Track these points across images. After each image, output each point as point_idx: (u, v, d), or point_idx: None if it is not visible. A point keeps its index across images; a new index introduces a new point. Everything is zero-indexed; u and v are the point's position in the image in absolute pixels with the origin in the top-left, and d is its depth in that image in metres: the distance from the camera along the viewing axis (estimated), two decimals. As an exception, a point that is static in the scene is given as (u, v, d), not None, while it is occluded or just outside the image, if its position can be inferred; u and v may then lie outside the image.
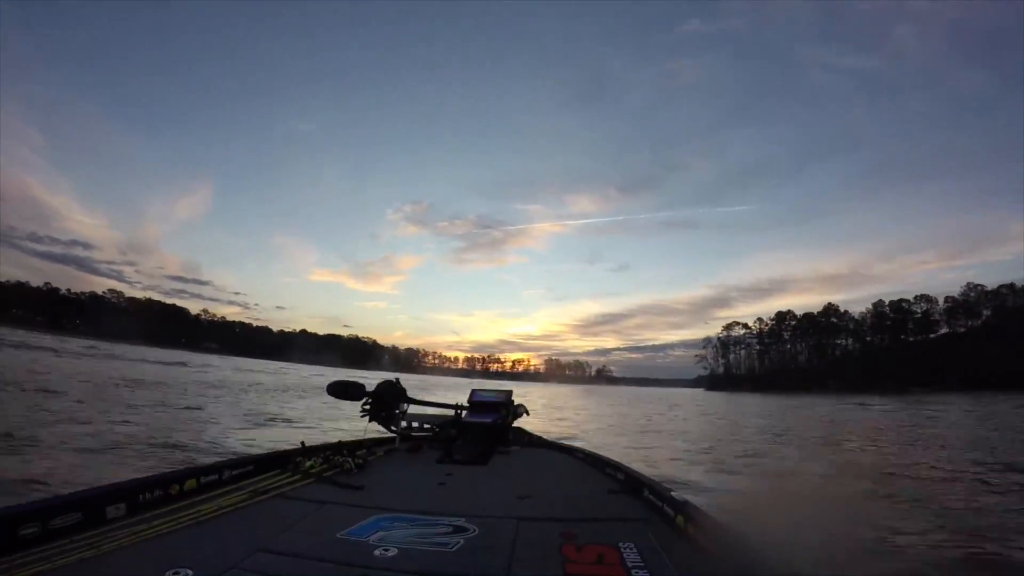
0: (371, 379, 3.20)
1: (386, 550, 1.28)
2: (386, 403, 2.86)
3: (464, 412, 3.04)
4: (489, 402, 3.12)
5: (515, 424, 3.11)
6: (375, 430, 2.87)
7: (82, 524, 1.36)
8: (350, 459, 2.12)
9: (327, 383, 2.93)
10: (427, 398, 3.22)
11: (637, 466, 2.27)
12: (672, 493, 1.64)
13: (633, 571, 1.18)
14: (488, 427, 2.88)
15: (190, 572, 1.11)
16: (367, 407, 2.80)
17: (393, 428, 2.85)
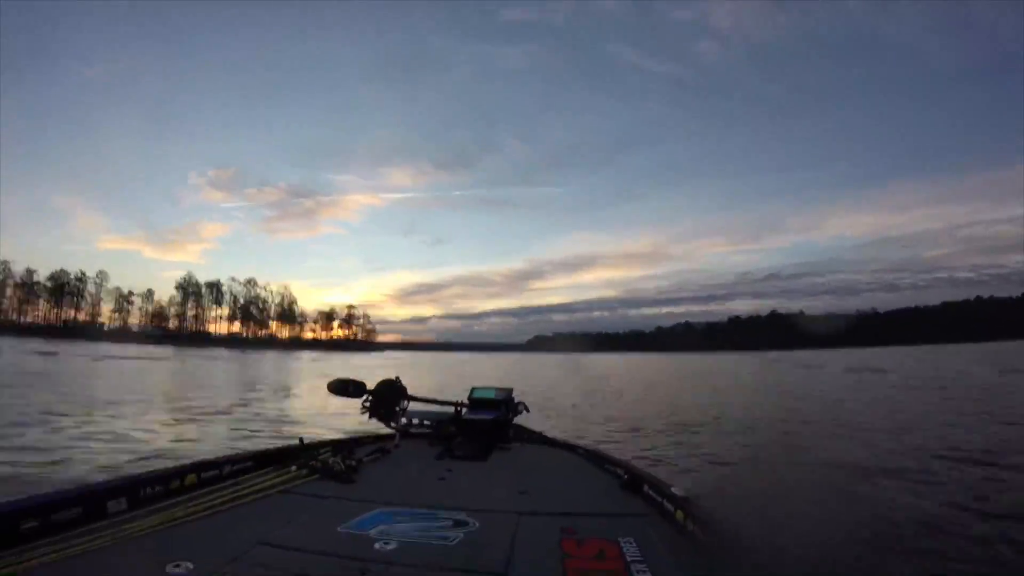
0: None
1: (387, 543, 1.28)
2: (386, 400, 2.87)
3: (464, 409, 3.05)
4: (489, 399, 3.12)
5: (516, 421, 3.11)
6: (375, 427, 2.87)
7: (83, 518, 1.36)
8: (351, 455, 2.12)
9: (327, 381, 2.94)
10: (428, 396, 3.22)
11: (638, 463, 2.29)
12: (673, 489, 1.63)
13: (633, 566, 1.18)
14: (488, 424, 2.88)
15: (191, 566, 1.11)
16: (367, 404, 2.80)
17: (393, 425, 2.85)
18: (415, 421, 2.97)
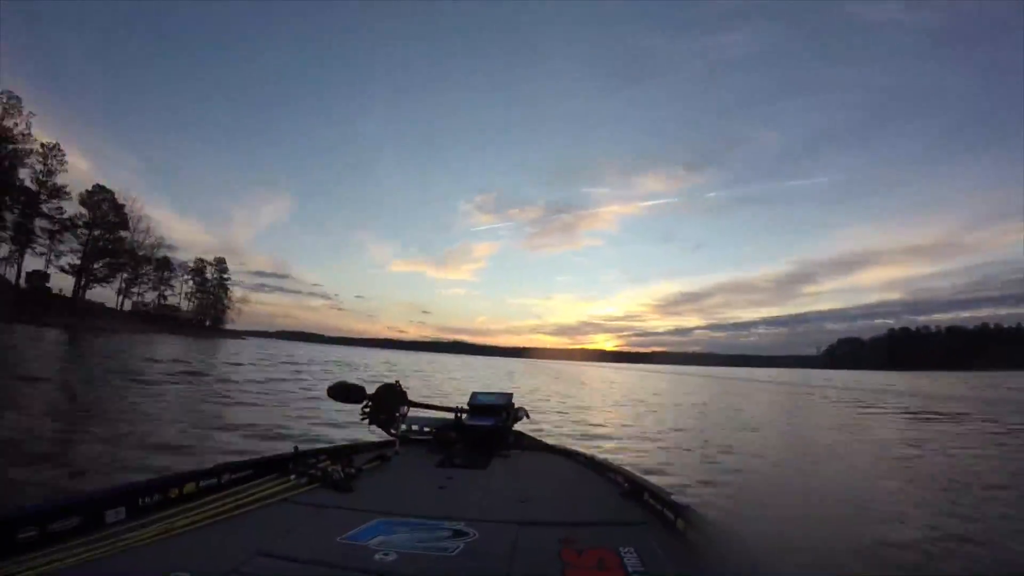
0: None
1: (386, 554, 1.27)
2: (386, 406, 2.85)
3: (464, 415, 3.03)
4: (490, 405, 3.11)
5: (516, 427, 3.10)
6: (375, 433, 2.86)
7: (81, 528, 1.35)
8: (350, 463, 2.11)
9: (328, 386, 2.92)
10: (430, 401, 3.21)
11: (642, 472, 2.27)
12: (673, 497, 1.62)
13: (633, 575, 1.18)
14: (488, 430, 2.87)
15: None
16: (367, 410, 2.79)
17: (393, 431, 2.84)
18: (415, 427, 2.96)
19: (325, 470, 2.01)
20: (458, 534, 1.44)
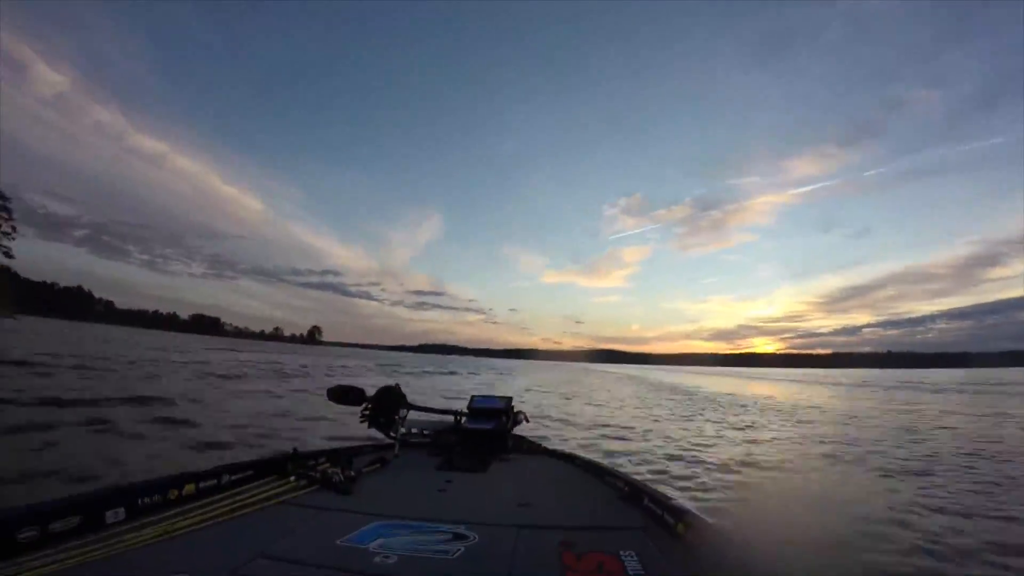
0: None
1: (386, 557, 1.27)
2: (386, 409, 2.84)
3: (464, 418, 3.03)
4: (489, 408, 3.11)
5: (515, 431, 3.10)
6: (375, 436, 2.86)
7: (81, 528, 1.35)
8: (349, 465, 2.11)
9: (327, 388, 2.92)
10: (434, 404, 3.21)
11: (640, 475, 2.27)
12: (672, 501, 1.63)
13: None
14: (488, 433, 2.87)
15: None
16: (367, 413, 2.79)
17: (392, 434, 2.84)
18: (414, 430, 2.96)
19: (325, 472, 2.01)
20: (458, 537, 1.44)
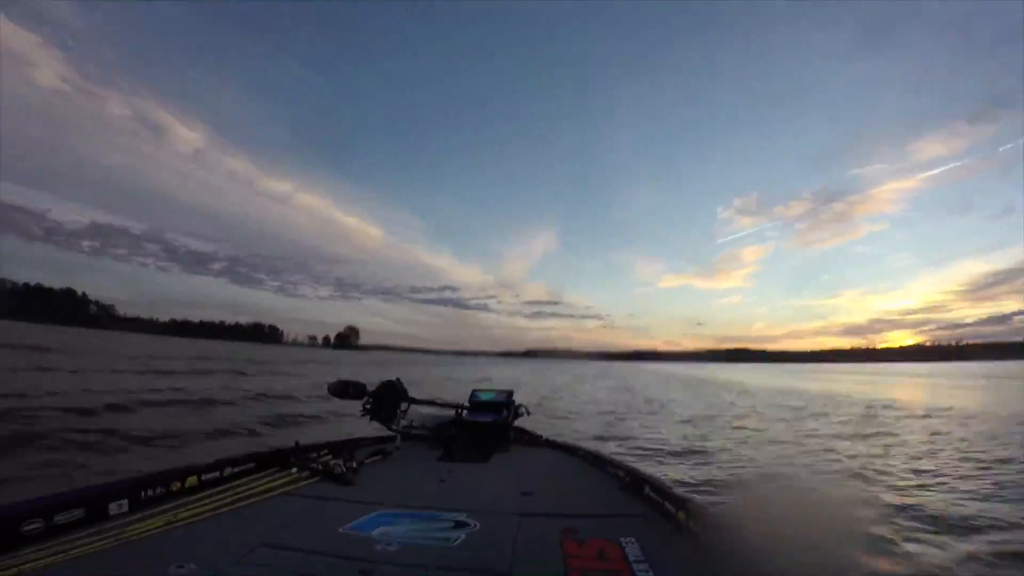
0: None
1: (388, 544, 1.28)
2: (387, 402, 2.86)
3: (465, 412, 3.04)
4: (490, 402, 3.12)
5: (516, 424, 3.11)
6: (376, 429, 2.87)
7: (84, 520, 1.37)
8: (351, 457, 2.12)
9: (328, 383, 2.93)
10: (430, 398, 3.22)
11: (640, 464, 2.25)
12: (674, 490, 1.63)
13: (635, 566, 1.18)
14: (489, 426, 2.88)
15: (193, 567, 1.11)
16: (368, 406, 2.80)
17: (394, 427, 2.85)
18: (415, 424, 2.97)
19: (327, 464, 2.02)
20: (459, 525, 1.45)
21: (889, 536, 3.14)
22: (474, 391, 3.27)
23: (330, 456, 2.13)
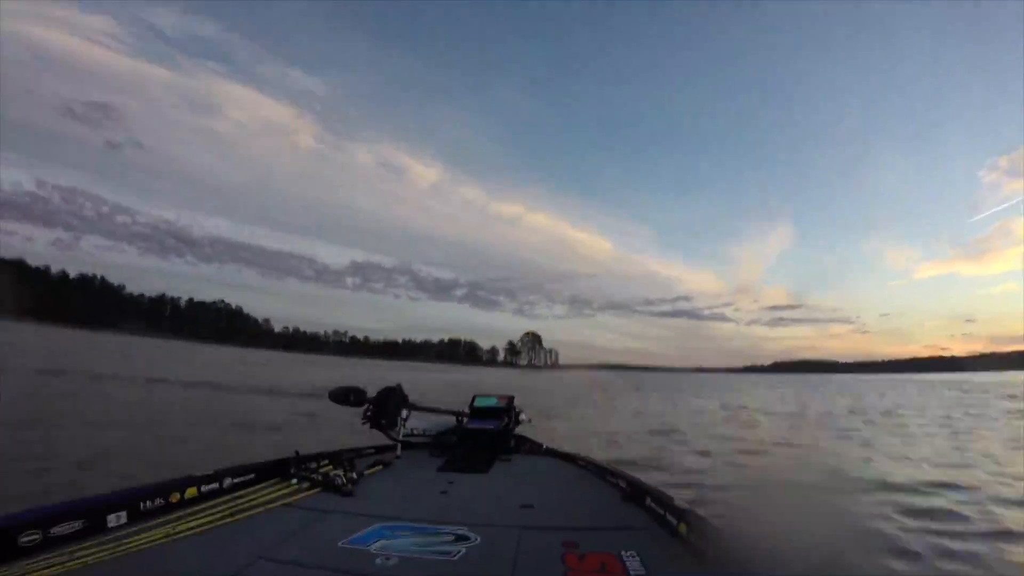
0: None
1: (388, 558, 1.27)
2: (387, 410, 2.85)
3: (466, 419, 3.03)
4: (491, 408, 3.11)
5: (517, 431, 3.10)
6: (376, 437, 2.86)
7: (83, 532, 1.36)
8: (351, 467, 2.11)
9: (328, 390, 2.92)
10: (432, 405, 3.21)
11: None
12: (674, 501, 1.62)
13: None
14: (490, 434, 2.87)
15: None
16: (368, 414, 2.79)
17: (394, 435, 2.84)
18: (416, 431, 2.96)
19: (327, 475, 2.01)
20: (460, 539, 1.44)
21: None
22: (475, 397, 3.25)
23: (330, 466, 2.12)
